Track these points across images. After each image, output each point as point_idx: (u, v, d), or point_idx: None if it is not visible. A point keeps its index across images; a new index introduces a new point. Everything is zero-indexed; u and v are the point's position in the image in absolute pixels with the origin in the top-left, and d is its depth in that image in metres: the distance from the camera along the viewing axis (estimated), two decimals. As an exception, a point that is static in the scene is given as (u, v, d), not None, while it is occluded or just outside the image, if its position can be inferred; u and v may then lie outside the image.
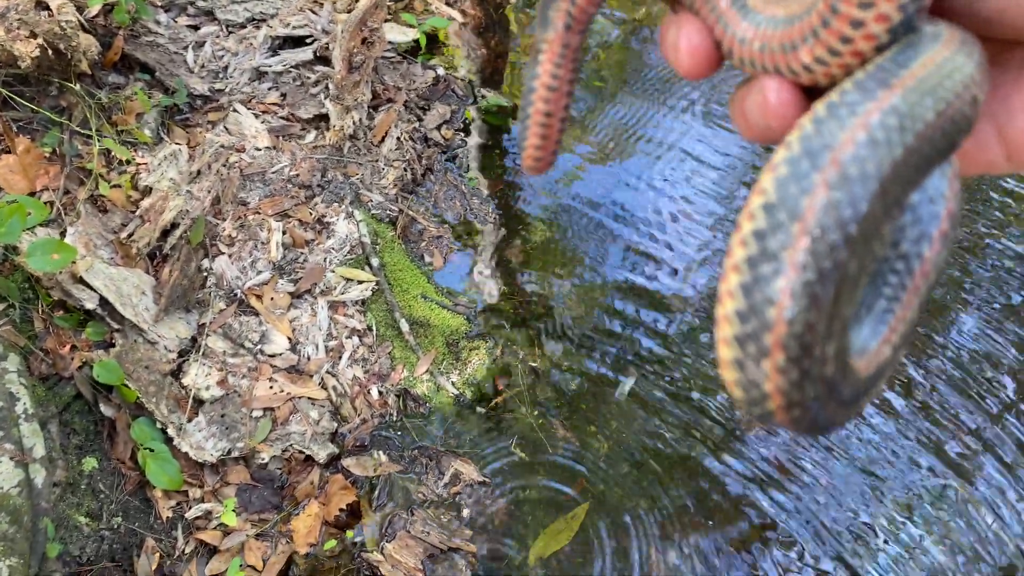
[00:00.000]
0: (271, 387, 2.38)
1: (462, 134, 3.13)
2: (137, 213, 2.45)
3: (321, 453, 2.31)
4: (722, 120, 3.28)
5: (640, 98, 3.35)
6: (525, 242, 2.87)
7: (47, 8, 2.54)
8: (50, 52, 2.44)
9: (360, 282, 2.58)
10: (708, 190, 3.03)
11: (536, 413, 2.46)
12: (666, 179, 3.06)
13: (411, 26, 3.20)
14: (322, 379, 2.42)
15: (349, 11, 3.10)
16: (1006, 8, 0.37)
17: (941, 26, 0.37)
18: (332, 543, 2.19)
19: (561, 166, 3.07)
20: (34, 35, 2.41)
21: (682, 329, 2.65)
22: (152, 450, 2.18)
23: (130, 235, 2.39)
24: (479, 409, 2.45)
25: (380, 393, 2.43)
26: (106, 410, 2.22)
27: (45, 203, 2.35)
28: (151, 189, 2.48)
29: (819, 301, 0.33)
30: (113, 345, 2.28)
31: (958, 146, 0.37)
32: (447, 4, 3.45)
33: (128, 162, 2.57)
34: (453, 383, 2.48)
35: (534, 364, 2.55)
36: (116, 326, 2.30)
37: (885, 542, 2.25)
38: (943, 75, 0.36)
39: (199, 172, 2.63)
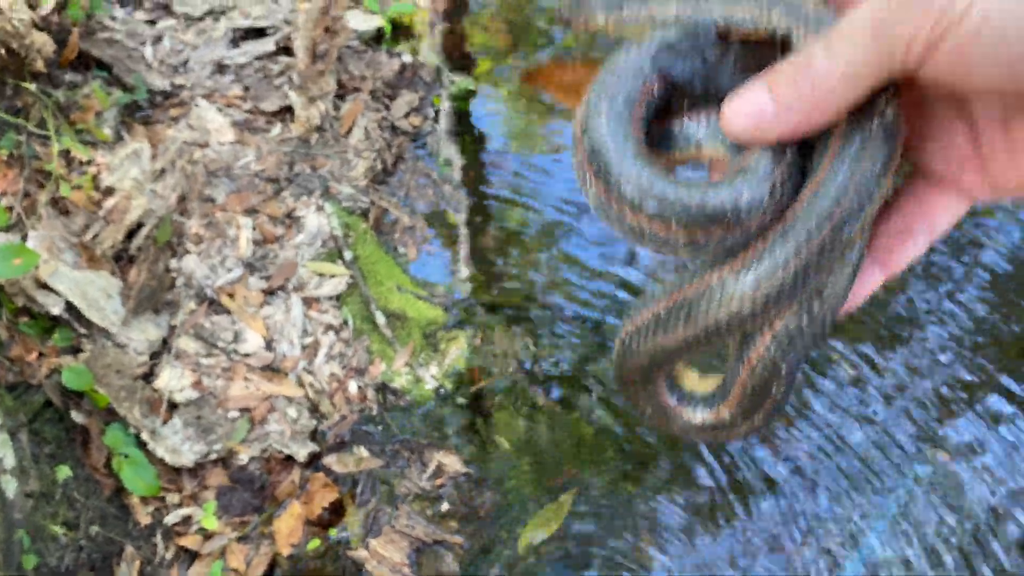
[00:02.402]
0: (247, 387, 2.34)
1: (432, 121, 3.09)
2: (100, 214, 2.39)
3: (301, 452, 2.27)
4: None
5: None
6: (500, 228, 2.84)
7: (-3, 6, 2.46)
8: (3, 51, 2.37)
9: (333, 276, 2.54)
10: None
11: (518, 401, 2.43)
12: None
13: (374, 13, 3.14)
14: (299, 376, 2.38)
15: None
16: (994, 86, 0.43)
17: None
18: (316, 542, 2.16)
19: (539, 142, 3.04)
20: (-16, 34, 2.33)
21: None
22: (127, 456, 2.13)
23: (94, 237, 2.33)
24: (460, 400, 2.42)
25: (359, 388, 2.39)
26: (77, 417, 2.17)
27: (5, 208, 2.28)
28: (113, 189, 2.42)
29: (625, 376, 0.63)
30: (81, 350, 2.22)
31: (725, 338, 0.53)
32: (411, -11, 3.39)
33: (89, 162, 2.50)
34: (433, 375, 2.45)
35: (514, 352, 2.53)
36: (83, 331, 2.24)
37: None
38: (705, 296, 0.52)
39: (162, 170, 2.57)
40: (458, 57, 3.34)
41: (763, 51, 0.53)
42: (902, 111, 0.49)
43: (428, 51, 3.29)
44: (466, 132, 3.12)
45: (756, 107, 0.48)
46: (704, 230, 0.49)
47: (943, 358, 2.53)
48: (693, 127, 0.56)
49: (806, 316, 0.53)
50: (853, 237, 0.49)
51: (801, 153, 0.51)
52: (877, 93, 0.48)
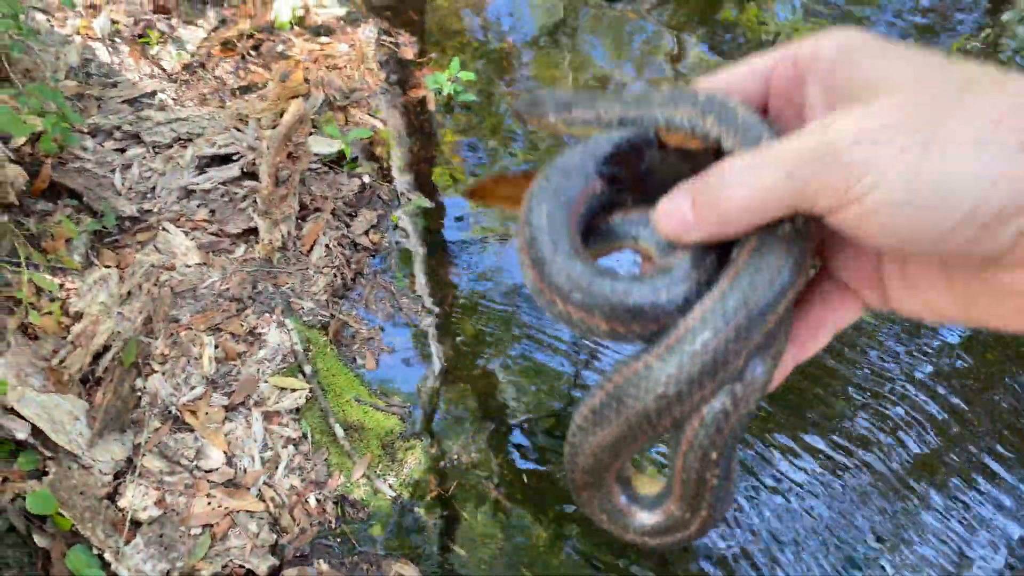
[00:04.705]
0: (209, 503, 2.40)
1: (391, 237, 3.25)
2: (68, 339, 2.48)
3: (261, 566, 2.33)
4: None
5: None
6: (459, 335, 2.97)
7: (-27, 144, 2.62)
8: (-23, 187, 2.51)
9: (293, 390, 2.64)
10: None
11: (476, 509, 2.51)
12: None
13: (335, 138, 3.33)
14: (259, 491, 2.45)
15: (274, 127, 3.23)
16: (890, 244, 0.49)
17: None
18: (275, 658, 2.19)
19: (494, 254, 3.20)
20: (-39, 172, 2.47)
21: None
22: (89, 577, 2.17)
23: (61, 361, 2.42)
24: (417, 509, 2.50)
25: (318, 501, 2.46)
26: (40, 540, 2.22)
27: (-26, 335, 2.38)
28: (81, 314, 2.53)
29: (577, 480, 0.63)
30: (47, 473, 2.29)
31: (661, 431, 0.56)
32: (369, 114, 3.61)
33: (60, 287, 2.61)
34: (390, 485, 2.53)
35: (471, 459, 2.62)
36: (49, 454, 2.31)
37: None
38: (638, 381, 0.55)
39: (130, 293, 2.69)
40: (415, 176, 3.53)
41: (698, 156, 0.58)
42: (813, 222, 0.53)
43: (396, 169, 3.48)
44: (426, 245, 3.28)
45: (680, 214, 0.54)
46: (624, 323, 0.54)
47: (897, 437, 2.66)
48: (631, 222, 0.61)
49: (729, 399, 0.54)
50: (768, 327, 0.52)
51: (725, 246, 0.55)
52: None
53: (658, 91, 0.59)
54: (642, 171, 0.61)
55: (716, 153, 0.56)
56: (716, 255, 0.55)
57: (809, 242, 0.53)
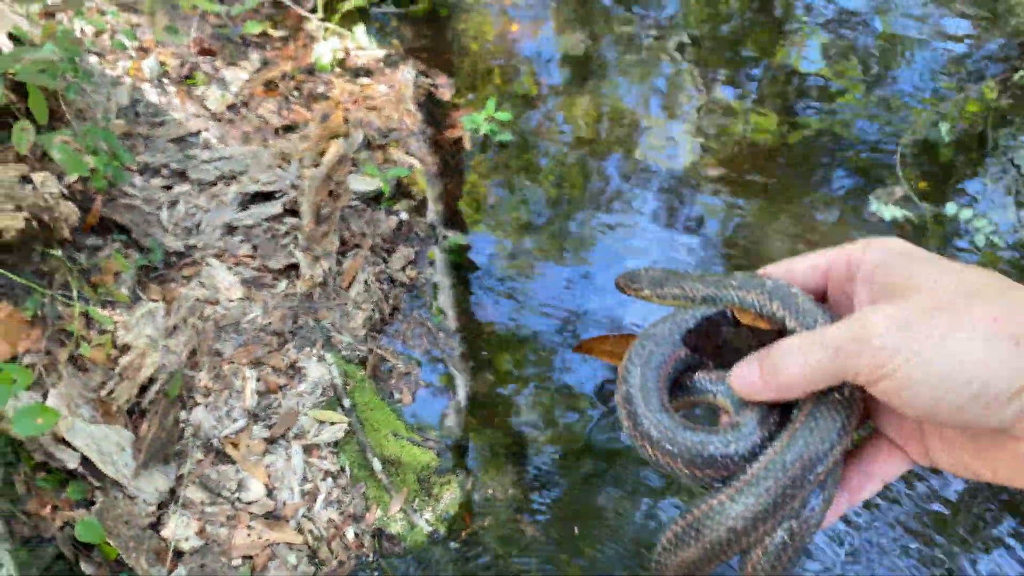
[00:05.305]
0: (249, 534, 2.44)
1: (427, 273, 3.31)
2: (116, 371, 2.55)
3: (300, 598, 2.35)
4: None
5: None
6: (493, 372, 3.00)
7: (30, 181, 2.71)
8: (34, 222, 2.60)
9: (332, 424, 2.68)
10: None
11: (510, 544, 2.53)
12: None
13: (374, 176, 3.41)
14: (299, 523, 2.49)
15: (316, 166, 3.32)
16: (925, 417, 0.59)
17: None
18: None
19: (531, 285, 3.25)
20: (19, 208, 2.56)
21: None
22: (133, 606, 2.21)
23: (109, 393, 2.49)
24: (452, 544, 2.52)
25: (356, 535, 2.49)
26: (87, 568, 2.27)
27: (27, 365, 2.45)
28: (129, 346, 2.60)
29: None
30: (94, 502, 2.34)
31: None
32: (407, 153, 3.69)
33: (108, 320, 2.68)
34: (427, 520, 2.56)
35: (506, 494, 2.64)
36: (97, 483, 2.36)
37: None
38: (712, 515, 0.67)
39: (175, 327, 2.76)
40: (450, 214, 3.60)
41: (765, 332, 0.72)
42: (860, 391, 0.66)
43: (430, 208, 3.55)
44: (460, 282, 3.34)
45: (750, 378, 0.67)
46: (701, 468, 0.68)
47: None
48: (710, 381, 0.76)
49: (787, 534, 0.67)
50: (820, 476, 0.65)
51: (787, 405, 0.69)
52: None
53: (734, 276, 0.75)
54: (719, 342, 0.76)
55: (780, 331, 0.71)
56: (779, 412, 0.69)
57: (855, 408, 0.66)
